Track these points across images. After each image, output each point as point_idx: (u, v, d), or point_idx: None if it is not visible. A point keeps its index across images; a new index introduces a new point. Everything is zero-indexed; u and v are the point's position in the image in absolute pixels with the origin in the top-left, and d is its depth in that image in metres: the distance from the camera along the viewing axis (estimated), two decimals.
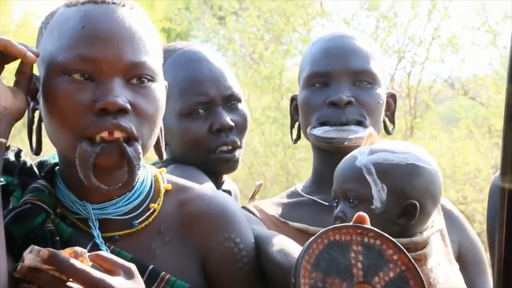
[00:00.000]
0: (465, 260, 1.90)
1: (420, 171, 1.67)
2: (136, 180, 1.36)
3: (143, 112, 1.33)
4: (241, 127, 1.94)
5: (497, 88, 8.69)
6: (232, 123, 1.92)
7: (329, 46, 1.92)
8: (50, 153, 1.54)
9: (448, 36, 8.95)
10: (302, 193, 1.95)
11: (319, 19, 9.99)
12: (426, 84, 9.43)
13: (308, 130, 1.90)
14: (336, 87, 1.87)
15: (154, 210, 1.44)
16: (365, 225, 1.27)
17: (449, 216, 1.93)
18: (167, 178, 1.50)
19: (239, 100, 1.95)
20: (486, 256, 1.99)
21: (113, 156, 1.31)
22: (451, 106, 10.40)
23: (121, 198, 1.40)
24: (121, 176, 1.34)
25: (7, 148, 1.31)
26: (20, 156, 1.45)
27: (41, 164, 1.49)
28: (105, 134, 1.30)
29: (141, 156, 1.34)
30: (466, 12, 13.53)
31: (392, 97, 1.99)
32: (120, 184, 1.34)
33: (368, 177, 1.66)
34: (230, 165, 1.93)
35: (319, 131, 1.87)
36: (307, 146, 6.35)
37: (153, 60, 1.37)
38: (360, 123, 1.86)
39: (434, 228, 1.73)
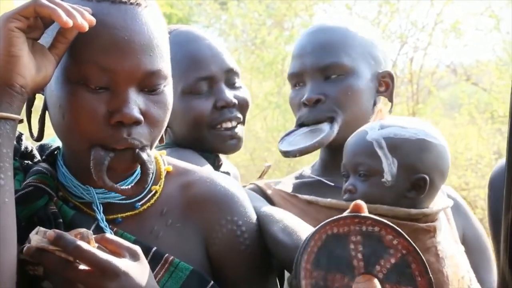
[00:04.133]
0: (469, 248, 1.91)
1: (430, 146, 1.69)
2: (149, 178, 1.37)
3: (155, 120, 1.34)
4: (244, 104, 1.98)
5: (500, 73, 8.67)
6: (235, 100, 1.94)
7: (300, 45, 1.97)
8: (50, 137, 1.54)
9: (451, 21, 8.92)
10: (310, 175, 1.98)
11: (321, 4, 9.96)
12: (428, 70, 9.40)
13: (279, 144, 1.96)
14: (309, 86, 1.91)
15: (156, 192, 1.45)
16: (362, 214, 1.26)
17: (454, 204, 1.94)
18: (167, 161, 1.50)
19: (238, 76, 1.99)
20: (489, 245, 1.99)
21: (127, 162, 1.33)
22: (453, 92, 10.39)
23: (123, 182, 1.40)
24: (129, 159, 1.35)
25: (21, 121, 1.29)
26: (21, 140, 1.46)
27: (42, 148, 1.49)
28: (120, 147, 1.32)
29: (153, 158, 1.37)
30: None
31: (389, 76, 1.99)
32: (132, 185, 1.36)
33: (378, 151, 1.69)
34: (234, 142, 1.95)
35: (282, 144, 1.93)
36: None
37: (167, 63, 1.37)
38: (331, 119, 1.89)
39: (443, 203, 1.76)
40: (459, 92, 9.33)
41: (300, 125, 1.94)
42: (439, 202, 1.77)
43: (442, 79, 9.72)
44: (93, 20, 1.27)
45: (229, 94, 1.94)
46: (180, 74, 1.91)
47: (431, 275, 1.23)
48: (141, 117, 1.31)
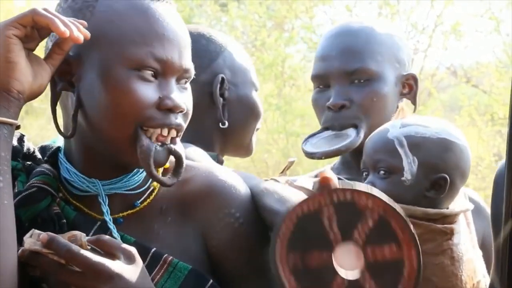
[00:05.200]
0: (487, 253, 1.90)
1: (451, 146, 1.68)
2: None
3: (188, 110, 1.40)
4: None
5: (500, 75, 8.68)
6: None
7: (325, 46, 1.97)
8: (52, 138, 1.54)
9: (451, 23, 8.93)
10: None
11: (321, 6, 9.97)
12: (428, 72, 9.42)
13: (303, 145, 1.98)
14: (334, 90, 1.92)
15: (154, 189, 1.45)
16: (330, 184, 1.18)
17: (475, 208, 1.93)
18: None
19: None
20: None
21: (165, 158, 1.38)
22: (453, 94, 10.40)
23: (127, 174, 1.42)
24: (166, 156, 1.39)
25: (18, 127, 1.31)
26: (23, 141, 1.46)
27: (43, 149, 1.50)
28: (165, 132, 1.36)
29: (183, 149, 1.41)
30: None
31: (413, 78, 1.99)
32: (169, 175, 1.40)
33: (399, 149, 1.68)
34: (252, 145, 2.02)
35: (306, 146, 1.95)
36: (309, 133, 6.27)
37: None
38: (356, 126, 1.90)
39: (463, 206, 1.74)
40: (459, 94, 9.34)
41: (324, 128, 1.95)
42: (459, 205, 1.75)
43: (442, 81, 9.73)
44: (88, 34, 1.32)
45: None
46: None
47: (412, 229, 1.20)
48: (185, 106, 1.38)
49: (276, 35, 9.69)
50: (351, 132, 1.89)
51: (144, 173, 1.44)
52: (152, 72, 1.35)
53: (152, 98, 1.35)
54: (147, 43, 1.34)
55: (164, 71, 1.36)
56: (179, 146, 1.40)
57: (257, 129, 2.02)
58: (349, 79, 1.91)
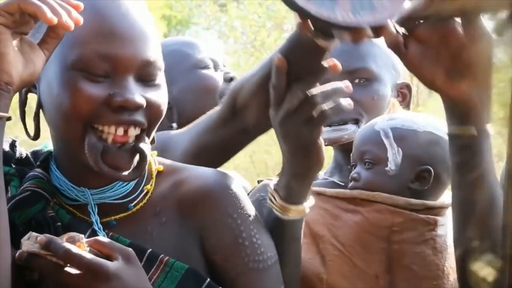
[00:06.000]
0: None
1: (438, 140, 1.70)
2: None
3: (155, 104, 1.36)
4: None
5: (499, 75, 8.68)
6: None
7: None
8: (45, 141, 1.54)
9: None
10: (324, 176, 2.02)
11: None
12: None
13: None
14: None
15: (148, 192, 1.44)
16: None
17: None
18: (158, 160, 1.50)
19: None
20: None
21: (125, 159, 1.35)
22: None
23: (117, 181, 1.41)
24: (127, 156, 1.36)
25: (8, 119, 1.28)
26: (15, 146, 1.46)
27: (35, 154, 1.49)
28: (120, 132, 1.33)
29: (149, 145, 1.38)
30: None
31: (407, 87, 2.03)
32: (130, 170, 1.36)
33: (385, 140, 1.70)
34: None
35: None
36: None
37: (160, 55, 1.39)
38: (357, 121, 1.93)
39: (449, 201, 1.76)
40: None
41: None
42: (448, 199, 1.77)
43: None
44: (80, 19, 1.27)
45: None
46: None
47: None
48: (143, 101, 1.33)
49: (276, 35, 9.69)
50: (351, 126, 1.92)
51: (135, 180, 1.43)
52: (102, 71, 1.32)
53: (99, 97, 1.31)
54: (93, 42, 1.31)
55: (115, 69, 1.32)
56: (144, 142, 1.36)
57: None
58: (350, 78, 1.89)
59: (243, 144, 1.66)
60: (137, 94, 1.33)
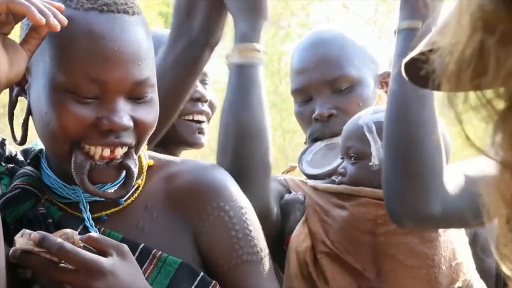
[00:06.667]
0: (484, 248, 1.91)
1: None
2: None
3: (143, 125, 1.35)
4: (214, 105, 2.02)
5: None
6: (209, 97, 1.99)
7: (301, 59, 1.97)
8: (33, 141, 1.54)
9: None
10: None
11: (318, 3, 9.97)
12: None
13: (300, 166, 1.96)
14: (317, 101, 1.91)
15: (139, 186, 1.44)
16: None
17: None
18: (149, 155, 1.50)
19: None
20: None
21: (112, 175, 1.35)
22: None
23: (108, 184, 1.40)
24: (114, 172, 1.36)
25: None
26: (4, 145, 1.46)
27: (25, 152, 1.49)
28: (107, 152, 1.32)
29: (137, 162, 1.38)
30: None
31: (388, 76, 1.97)
32: (116, 188, 1.37)
33: (368, 135, 1.70)
34: (200, 137, 1.96)
35: (303, 166, 1.92)
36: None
37: (153, 70, 1.38)
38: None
39: None
40: None
41: (314, 140, 1.94)
42: None
43: None
44: (65, 20, 1.27)
45: (203, 89, 1.97)
46: None
47: None
48: (131, 124, 1.32)
49: (273, 32, 9.68)
50: (335, 161, 1.87)
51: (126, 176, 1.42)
52: (92, 94, 1.30)
53: (87, 119, 1.30)
54: (83, 64, 1.29)
55: (105, 92, 1.30)
56: (132, 158, 1.36)
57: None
58: (331, 88, 1.91)
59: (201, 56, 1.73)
60: (126, 117, 1.31)
